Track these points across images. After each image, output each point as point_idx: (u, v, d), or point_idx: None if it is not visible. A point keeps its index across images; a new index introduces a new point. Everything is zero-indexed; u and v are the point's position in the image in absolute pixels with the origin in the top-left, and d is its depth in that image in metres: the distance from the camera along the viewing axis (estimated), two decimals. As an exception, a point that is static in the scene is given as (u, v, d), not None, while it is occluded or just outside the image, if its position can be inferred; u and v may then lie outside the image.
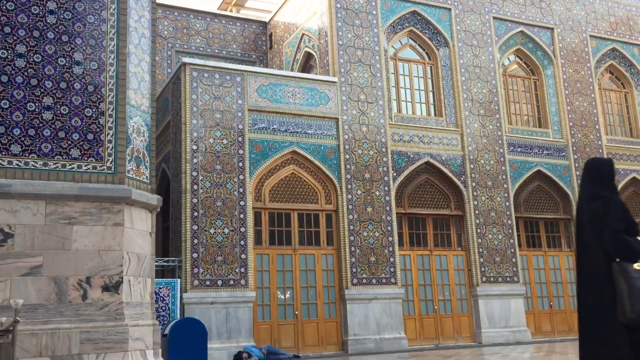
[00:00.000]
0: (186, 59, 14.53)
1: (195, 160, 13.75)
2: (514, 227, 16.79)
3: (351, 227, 14.85)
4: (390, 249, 15.12)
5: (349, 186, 15.06)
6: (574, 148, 18.21)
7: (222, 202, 13.78)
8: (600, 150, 18.59)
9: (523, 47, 18.78)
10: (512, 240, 16.62)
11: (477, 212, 16.39)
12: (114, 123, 7.43)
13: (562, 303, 17.40)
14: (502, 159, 17.10)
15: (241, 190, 14.03)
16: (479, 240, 16.23)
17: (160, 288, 12.57)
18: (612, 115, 19.97)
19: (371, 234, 14.99)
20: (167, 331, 7.68)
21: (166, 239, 14.88)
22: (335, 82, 15.55)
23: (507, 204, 16.83)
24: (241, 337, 13.25)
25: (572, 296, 17.47)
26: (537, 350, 13.20)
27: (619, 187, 18.71)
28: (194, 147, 13.81)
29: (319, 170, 15.08)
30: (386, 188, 15.43)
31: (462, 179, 16.52)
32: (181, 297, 12.96)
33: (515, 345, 15.02)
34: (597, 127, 18.78)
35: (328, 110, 15.35)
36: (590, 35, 19.56)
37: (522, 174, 17.44)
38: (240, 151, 14.22)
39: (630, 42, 20.18)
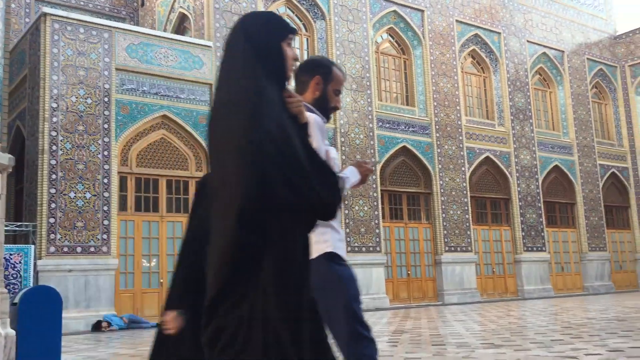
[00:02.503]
0: (47, 9, 13.43)
1: (54, 120, 12.85)
2: (379, 200, 17.55)
3: (221, 195, 14.70)
4: (260, 218, 15.18)
5: (221, 154, 14.85)
6: (437, 126, 19.28)
7: (84, 165, 13.04)
8: (460, 130, 19.85)
9: (395, 27, 19.44)
10: (377, 212, 17.36)
11: (345, 184, 16.88)
12: (-42, 72, 6.72)
13: (419, 272, 18.55)
14: (371, 134, 17.71)
15: (106, 153, 13.35)
16: (347, 212, 16.78)
17: (11, 254, 11.71)
18: (472, 98, 21.36)
19: (241, 202, 14.94)
20: (16, 300, 7.19)
21: (20, 202, 13.84)
22: (210, 46, 15.16)
23: (374, 177, 17.51)
24: (101, 306, 12.75)
25: (428, 265, 18.68)
26: (394, 315, 14.02)
27: (474, 165, 20.17)
28: (54, 105, 12.89)
29: (190, 136, 14.72)
30: (258, 157, 15.40)
31: (332, 151, 16.88)
32: (35, 264, 12.18)
33: (375, 311, 15.83)
34: (458, 107, 20.00)
35: (202, 75, 14.96)
36: (457, 20, 20.66)
37: (388, 149, 18.20)
38: (106, 112, 13.49)
39: (491, 29, 21.58)
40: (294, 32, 2.14)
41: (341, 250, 2.79)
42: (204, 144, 14.74)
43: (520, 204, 20.96)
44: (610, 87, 25.71)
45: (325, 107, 2.79)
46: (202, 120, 14.80)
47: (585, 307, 14.26)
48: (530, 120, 22.00)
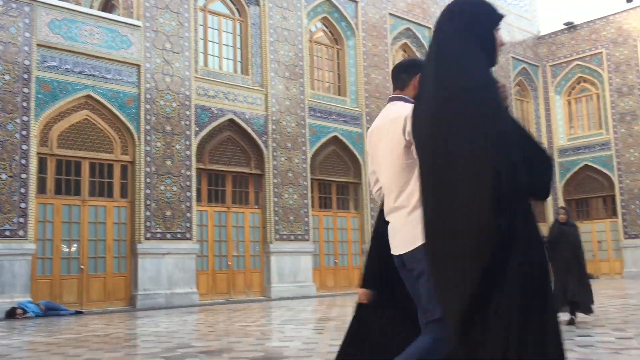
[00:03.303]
0: (-39, -23, 12.59)
1: (-32, 95, 12.09)
2: (309, 188, 17.61)
3: (148, 180, 14.34)
4: (188, 204, 14.93)
5: (148, 137, 14.47)
6: (368, 118, 19.52)
7: (0, 144, 12.37)
8: (390, 122, 20.14)
9: (329, 16, 19.48)
10: (306, 201, 17.43)
11: (275, 172, 16.86)
12: None
13: (346, 261, 18.80)
14: (302, 122, 17.71)
15: (24, 133, 12.71)
16: (276, 199, 16.75)
17: None
18: (402, 91, 21.70)
19: (169, 187, 14.63)
20: None
21: None
22: (139, 26, 14.68)
23: (304, 165, 17.55)
24: (16, 292, 12.18)
25: (355, 254, 18.95)
26: (320, 303, 14.15)
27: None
28: (-32, 80, 12.13)
29: (116, 118, 14.23)
30: (187, 142, 15.12)
31: (263, 138, 16.80)
32: (-56, 248, 11.48)
33: (302, 299, 15.93)
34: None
35: (129, 55, 14.48)
36: (390, 13, 20.92)
37: (320, 138, 18.27)
38: (25, 90, 12.83)
39: (423, 24, 22.01)
40: (502, 17, 2.18)
41: None
42: (130, 126, 14.29)
43: (445, 195, 21.54)
44: (532, 85, 26.81)
45: None
46: (129, 103, 14.34)
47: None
48: (457, 115, 22.61)
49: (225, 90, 16.24)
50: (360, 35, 19.77)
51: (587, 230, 25.65)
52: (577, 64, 26.14)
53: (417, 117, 2.27)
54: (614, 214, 24.58)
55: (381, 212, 3.08)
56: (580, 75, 26.20)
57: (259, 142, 16.72)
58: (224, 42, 17.02)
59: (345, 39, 19.83)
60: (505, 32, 25.54)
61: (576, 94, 26.58)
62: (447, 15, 2.16)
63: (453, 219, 1.98)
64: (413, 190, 2.75)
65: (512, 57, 25.70)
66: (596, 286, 18.96)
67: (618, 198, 24.27)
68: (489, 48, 2.12)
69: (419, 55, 21.95)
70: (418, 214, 2.59)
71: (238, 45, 17.27)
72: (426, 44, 22.00)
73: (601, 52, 25.42)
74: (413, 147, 2.63)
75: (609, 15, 25.37)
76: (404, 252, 2.78)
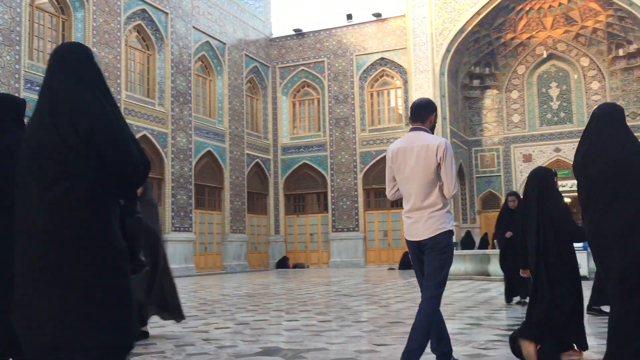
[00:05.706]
0: None
1: None
2: (20, 169, 15.80)
3: None
4: None
5: None
6: (94, 98, 18.28)
7: None
8: (119, 105, 19.17)
9: (56, -18, 17.75)
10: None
11: (-22, 148, 14.73)
12: None
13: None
14: (16, 94, 15.79)
15: None
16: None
17: None
18: (134, 74, 20.90)
19: None
20: None
21: None
22: None
23: None
24: None
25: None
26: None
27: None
28: None
29: None
30: None
31: (-36, 108, 14.54)
32: None
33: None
34: (118, 81, 19.33)
35: None
36: (125, -9, 19.92)
37: (36, 114, 16.51)
38: None
39: (159, 8, 21.44)
40: None
41: None
42: None
43: (173, 184, 21.40)
44: (262, 84, 28.17)
45: (432, 133, 4.13)
46: None
47: (222, 285, 15.33)
48: (190, 105, 22.63)
49: None
50: (91, 9, 18.43)
51: (302, 224, 27.96)
52: (303, 69, 28.27)
53: (584, 160, 3.77)
54: (325, 209, 27.20)
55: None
56: (305, 80, 28.38)
57: (-41, 112, 14.43)
58: None
59: (73, 10, 18.28)
60: (241, 29, 26.39)
61: (300, 97, 28.72)
62: (608, 115, 3.87)
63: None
64: (436, 198, 3.97)
65: (246, 54, 26.65)
66: (306, 275, 20.76)
67: (330, 195, 26.93)
68: None
69: (154, 39, 21.38)
70: (438, 213, 3.96)
71: (-63, -5, 14.66)
72: (162, 29, 21.52)
73: (323, 61, 27.89)
74: (441, 167, 3.94)
75: (332, 29, 27.98)
76: (426, 238, 3.97)
